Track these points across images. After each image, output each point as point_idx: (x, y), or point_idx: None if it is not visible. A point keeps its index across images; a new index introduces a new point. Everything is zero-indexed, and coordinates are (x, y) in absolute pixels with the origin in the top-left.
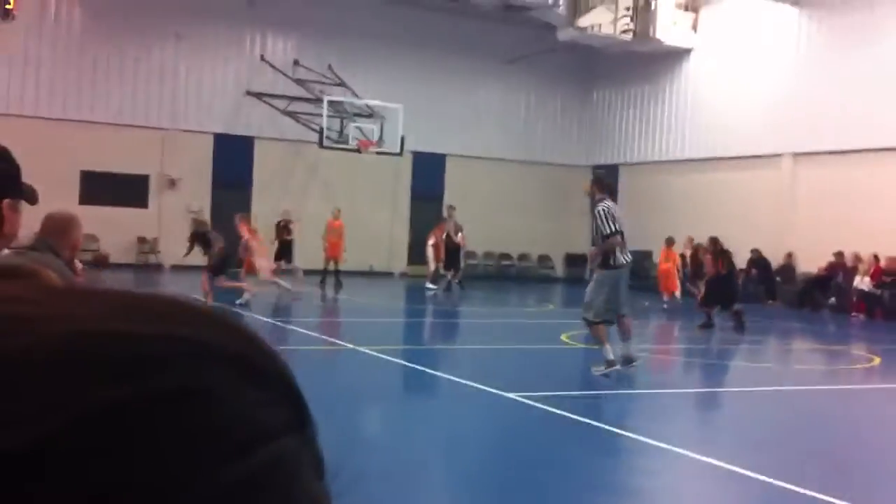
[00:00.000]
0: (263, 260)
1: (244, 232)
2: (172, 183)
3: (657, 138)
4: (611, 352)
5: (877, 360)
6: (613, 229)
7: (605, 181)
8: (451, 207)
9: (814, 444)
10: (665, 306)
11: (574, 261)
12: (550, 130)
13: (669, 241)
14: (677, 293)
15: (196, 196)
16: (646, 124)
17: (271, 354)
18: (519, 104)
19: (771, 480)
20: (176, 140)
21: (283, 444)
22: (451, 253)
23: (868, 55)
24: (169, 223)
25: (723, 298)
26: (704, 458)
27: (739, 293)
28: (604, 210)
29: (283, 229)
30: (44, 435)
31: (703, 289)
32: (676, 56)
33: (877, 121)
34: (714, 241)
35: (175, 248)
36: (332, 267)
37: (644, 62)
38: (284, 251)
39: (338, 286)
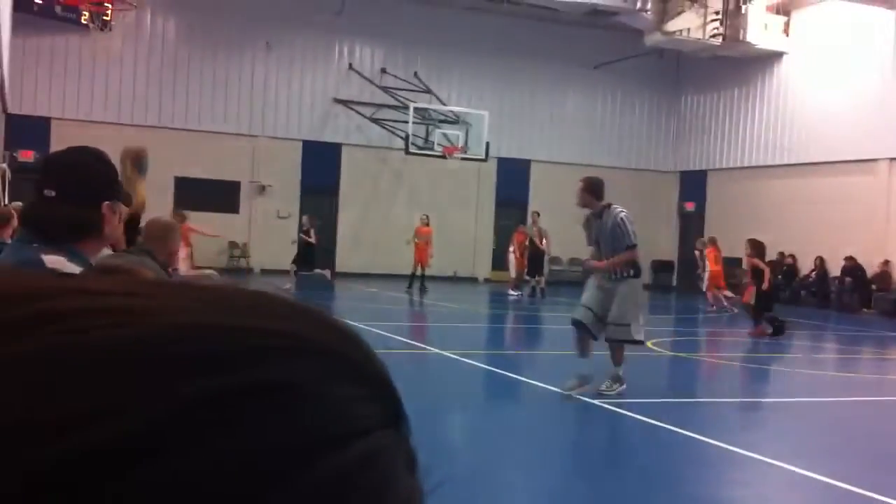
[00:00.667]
0: None
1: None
2: (262, 189)
3: (747, 143)
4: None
5: None
6: (635, 241)
7: (601, 185)
8: (536, 213)
9: None
10: (714, 308)
11: (662, 267)
12: (637, 136)
13: (713, 241)
14: (726, 293)
15: (285, 202)
16: (735, 129)
17: (366, 350)
18: (605, 110)
19: (865, 492)
20: (266, 147)
21: (377, 439)
22: (535, 259)
23: None
24: (259, 228)
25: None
26: (798, 470)
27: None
28: (625, 217)
29: (304, 235)
30: (137, 428)
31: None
32: (767, 60)
33: None
34: (757, 244)
35: (264, 252)
36: (419, 272)
37: (734, 66)
38: (308, 256)
39: (423, 291)
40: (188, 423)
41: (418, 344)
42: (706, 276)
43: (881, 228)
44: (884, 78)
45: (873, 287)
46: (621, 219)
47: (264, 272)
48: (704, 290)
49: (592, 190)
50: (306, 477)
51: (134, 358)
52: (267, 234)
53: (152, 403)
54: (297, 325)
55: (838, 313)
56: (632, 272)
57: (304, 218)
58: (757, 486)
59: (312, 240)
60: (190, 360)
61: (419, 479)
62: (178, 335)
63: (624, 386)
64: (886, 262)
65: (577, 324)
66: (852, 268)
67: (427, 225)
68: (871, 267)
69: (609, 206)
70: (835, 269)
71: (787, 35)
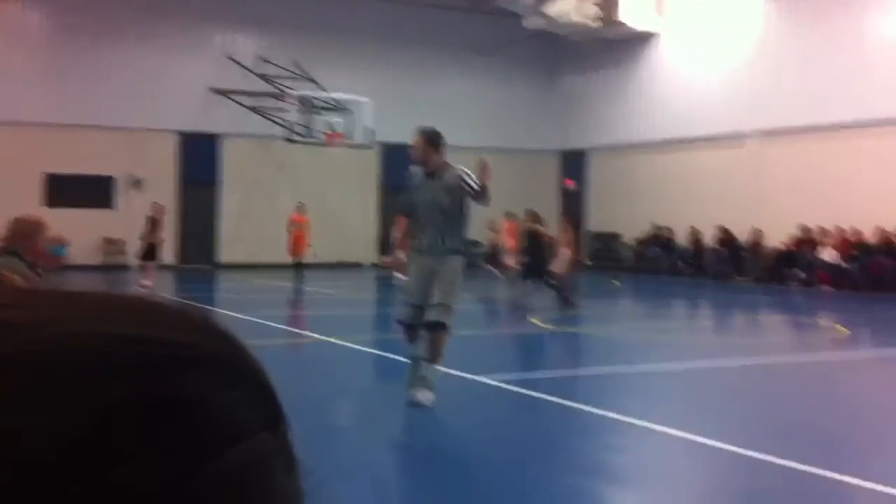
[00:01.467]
0: None
1: None
2: (138, 183)
3: (625, 122)
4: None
5: (844, 331)
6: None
7: (441, 138)
8: None
9: (784, 415)
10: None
11: None
12: (520, 118)
13: (510, 216)
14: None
15: (163, 195)
16: (614, 108)
17: (245, 353)
18: (488, 93)
19: (741, 450)
20: (141, 139)
21: (259, 443)
22: None
23: (830, 34)
24: (135, 223)
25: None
26: (682, 434)
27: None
28: (468, 173)
29: (152, 225)
30: (30, 449)
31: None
32: (642, 40)
33: (841, 98)
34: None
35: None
36: (296, 261)
37: (611, 47)
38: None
39: (300, 278)
40: (83, 438)
41: (303, 332)
42: (504, 251)
43: (752, 200)
44: (752, 55)
45: (745, 256)
46: (466, 172)
47: (142, 268)
48: (503, 265)
49: (433, 141)
50: (193, 484)
51: (27, 373)
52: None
53: (40, 423)
54: (180, 332)
55: (713, 281)
56: (461, 247)
57: (154, 205)
58: (635, 451)
59: (157, 234)
60: (73, 375)
61: (299, 479)
62: (57, 348)
63: (432, 395)
64: (757, 231)
65: (403, 325)
66: (725, 238)
67: (302, 213)
68: (743, 236)
69: (447, 164)
70: (710, 239)
71: (660, 15)
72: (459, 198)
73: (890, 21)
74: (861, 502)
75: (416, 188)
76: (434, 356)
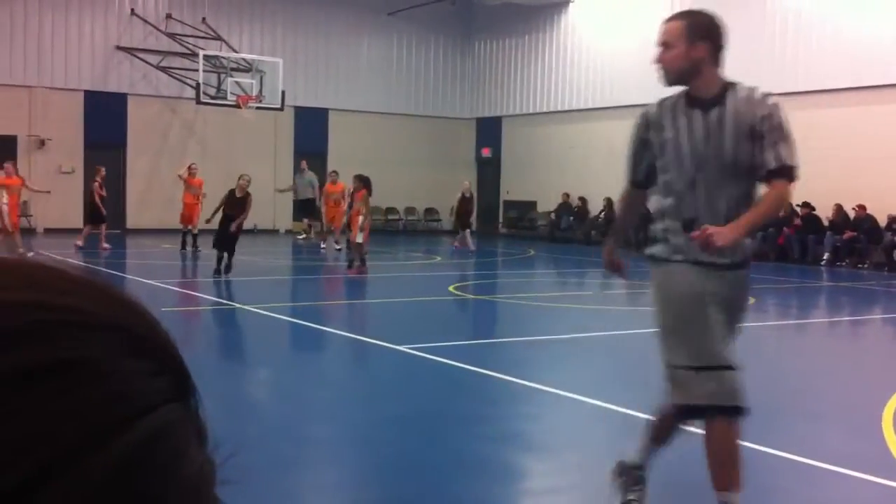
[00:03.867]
0: None
1: None
2: (42, 143)
3: (538, 89)
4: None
5: (751, 300)
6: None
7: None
8: (335, 172)
9: None
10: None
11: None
12: (433, 83)
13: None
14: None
15: (68, 156)
16: (527, 76)
17: (152, 323)
18: (401, 57)
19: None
20: (43, 98)
21: (166, 414)
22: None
23: (743, 5)
24: (40, 185)
25: None
26: (592, 400)
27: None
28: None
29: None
30: None
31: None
32: (556, 6)
33: (749, 69)
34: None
35: (47, 210)
36: (190, 230)
37: (524, 13)
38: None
39: (194, 250)
40: None
41: (218, 299)
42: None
43: None
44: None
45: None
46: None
47: (49, 232)
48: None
49: (705, 32)
50: (100, 456)
51: None
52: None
53: None
54: (80, 299)
55: (624, 250)
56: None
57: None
58: (548, 417)
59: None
60: None
61: (210, 451)
62: None
63: None
64: None
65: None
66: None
67: (194, 176)
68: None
69: (733, 85)
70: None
71: None
72: (751, 149)
73: None
74: (764, 466)
75: (662, 130)
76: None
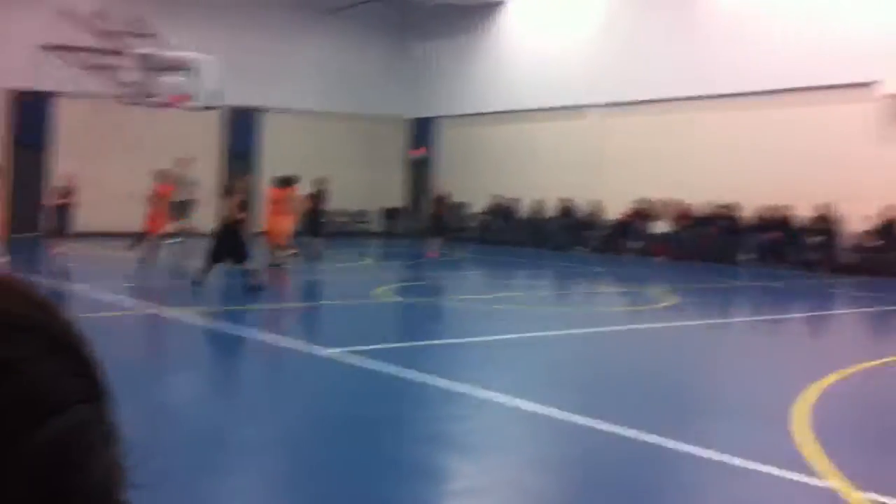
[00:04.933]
0: None
1: None
2: None
3: (473, 90)
4: None
5: (675, 299)
6: None
7: None
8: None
9: (621, 382)
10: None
11: (392, 214)
12: (369, 83)
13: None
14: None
15: None
16: (463, 77)
17: (67, 324)
18: (336, 56)
19: (575, 418)
20: None
21: (79, 414)
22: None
23: (669, 11)
24: None
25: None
26: (517, 402)
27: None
28: None
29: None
30: None
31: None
32: (490, 7)
33: (677, 73)
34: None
35: None
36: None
37: (459, 13)
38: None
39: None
40: None
41: (142, 305)
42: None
43: (593, 171)
44: (596, 28)
45: (584, 227)
46: None
47: None
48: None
49: None
50: (12, 453)
51: None
52: None
53: None
54: (0, 301)
55: (552, 252)
56: None
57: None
58: (475, 419)
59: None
60: None
61: (119, 453)
62: None
63: None
64: (598, 203)
65: None
66: (565, 208)
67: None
68: (586, 207)
69: None
70: (552, 209)
71: None
72: None
73: (717, 3)
74: (682, 463)
75: None
76: None
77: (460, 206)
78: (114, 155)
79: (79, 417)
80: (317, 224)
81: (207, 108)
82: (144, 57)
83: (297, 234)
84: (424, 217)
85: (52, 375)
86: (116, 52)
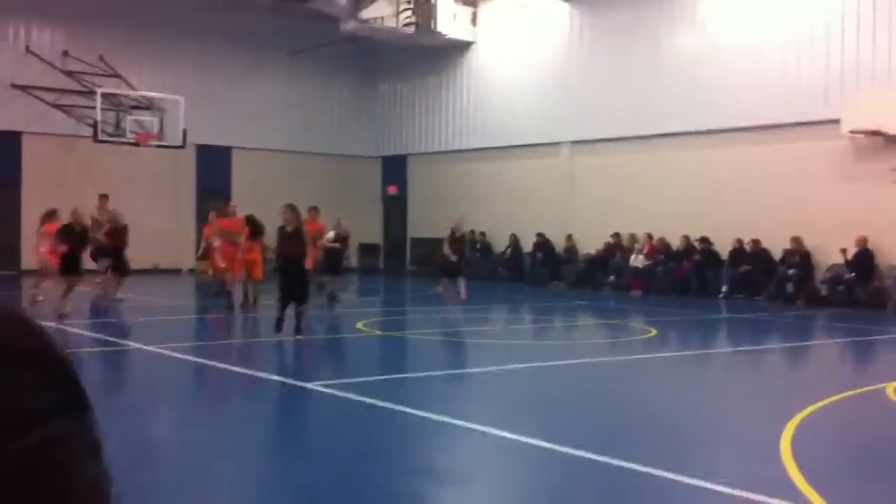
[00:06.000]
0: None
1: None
2: None
3: (443, 129)
4: None
5: (653, 332)
6: None
7: None
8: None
9: (597, 410)
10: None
11: (368, 250)
12: (338, 122)
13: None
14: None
15: None
16: (432, 115)
17: (44, 339)
18: (305, 96)
19: (560, 448)
20: None
21: (58, 425)
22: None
23: (631, 51)
24: None
25: None
26: (504, 434)
27: None
28: None
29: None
30: None
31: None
32: (458, 49)
33: (645, 110)
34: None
35: None
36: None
37: (428, 54)
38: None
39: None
40: None
41: (117, 340)
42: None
43: (565, 206)
44: (562, 67)
45: (560, 261)
46: None
47: None
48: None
49: None
50: None
51: None
52: None
53: None
54: None
55: (531, 286)
56: None
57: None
58: (457, 450)
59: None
60: None
61: (105, 466)
62: None
63: None
64: (570, 237)
65: None
66: (542, 243)
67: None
68: (559, 242)
69: None
70: (527, 245)
71: (475, 25)
72: None
73: (681, 41)
74: (669, 492)
75: None
76: None
77: (434, 241)
78: (82, 193)
79: (61, 428)
80: (338, 262)
81: (173, 146)
82: (111, 96)
83: (318, 271)
84: (433, 257)
85: (27, 388)
86: (83, 92)
